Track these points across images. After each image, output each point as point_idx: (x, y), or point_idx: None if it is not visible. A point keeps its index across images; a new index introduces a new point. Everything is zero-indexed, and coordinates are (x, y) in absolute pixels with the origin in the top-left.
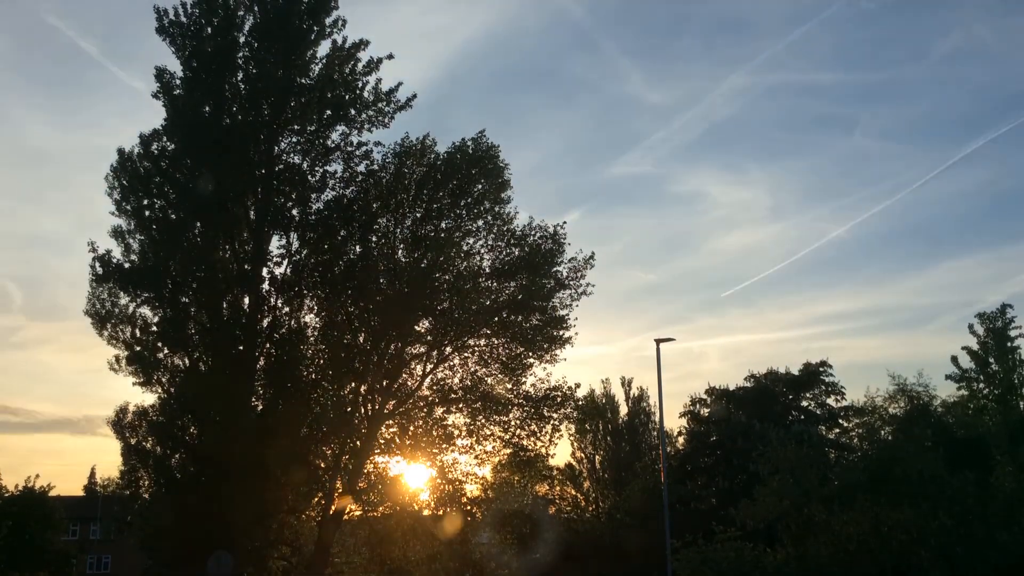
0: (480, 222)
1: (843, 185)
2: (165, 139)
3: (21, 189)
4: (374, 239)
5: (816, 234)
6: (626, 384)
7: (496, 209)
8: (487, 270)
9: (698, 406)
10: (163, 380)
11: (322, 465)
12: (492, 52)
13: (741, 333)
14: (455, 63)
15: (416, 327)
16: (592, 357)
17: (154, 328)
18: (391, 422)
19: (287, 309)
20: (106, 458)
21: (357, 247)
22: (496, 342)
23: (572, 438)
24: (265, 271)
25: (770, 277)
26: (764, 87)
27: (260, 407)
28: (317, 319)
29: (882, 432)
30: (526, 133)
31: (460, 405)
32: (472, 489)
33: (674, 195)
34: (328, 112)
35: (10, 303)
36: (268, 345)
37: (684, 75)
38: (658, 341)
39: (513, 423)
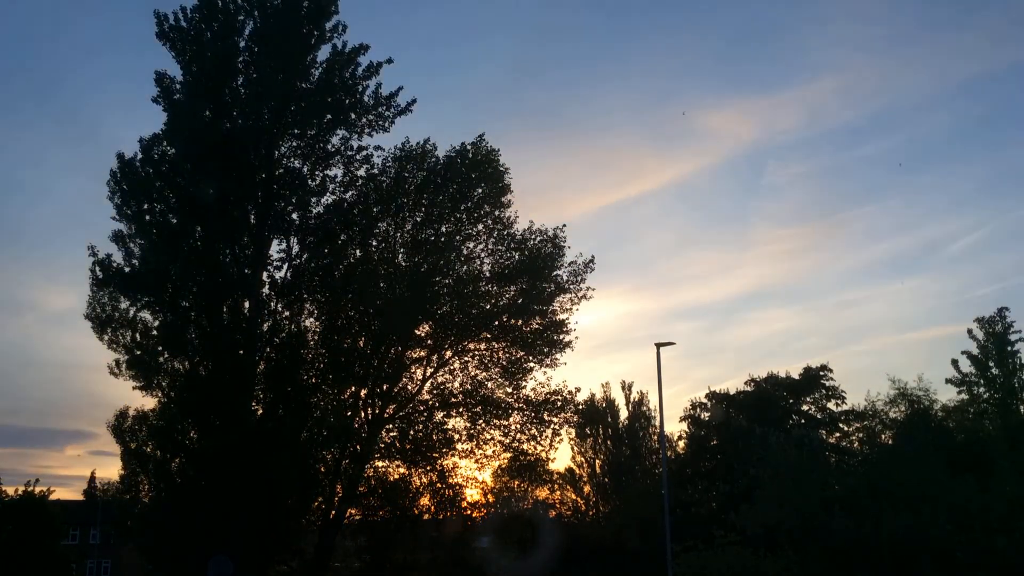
0: (480, 226)
1: None
2: (165, 144)
3: None
4: (374, 243)
5: None
6: (626, 388)
7: (496, 213)
8: (487, 274)
9: (698, 410)
10: (163, 384)
11: (322, 469)
12: None
13: None
14: None
15: (416, 331)
16: None
17: (154, 332)
18: (391, 426)
19: (287, 313)
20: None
21: (357, 251)
22: (496, 346)
23: (572, 442)
24: (265, 275)
25: None
26: None
27: (260, 411)
28: (317, 323)
29: (882, 436)
30: None
31: (460, 409)
32: (472, 493)
33: None
34: (328, 116)
35: None
36: (268, 349)
37: None
38: (658, 345)
39: (513, 427)
